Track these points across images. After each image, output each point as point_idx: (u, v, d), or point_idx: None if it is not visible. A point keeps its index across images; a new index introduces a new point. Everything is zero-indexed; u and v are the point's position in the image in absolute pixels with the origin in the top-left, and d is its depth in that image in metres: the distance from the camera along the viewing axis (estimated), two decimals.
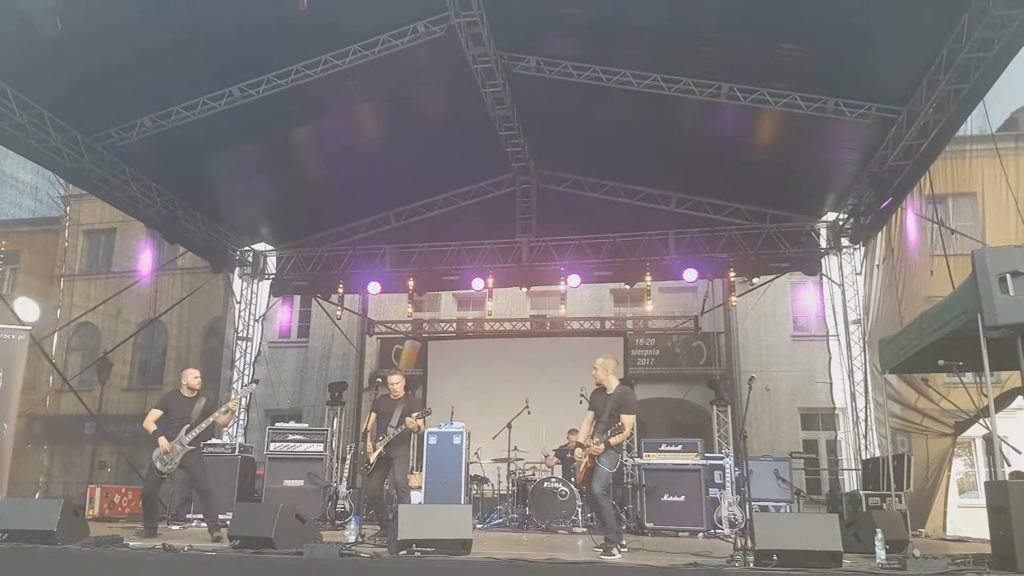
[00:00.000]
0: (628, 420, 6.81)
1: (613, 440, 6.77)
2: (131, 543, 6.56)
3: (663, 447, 10.76)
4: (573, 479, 9.82)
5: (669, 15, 9.29)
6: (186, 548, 6.15)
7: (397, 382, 8.34)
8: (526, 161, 13.19)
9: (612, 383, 7.10)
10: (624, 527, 9.46)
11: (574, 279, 13.68)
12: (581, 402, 8.40)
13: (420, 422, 8.06)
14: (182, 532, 8.83)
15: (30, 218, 18.31)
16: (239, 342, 14.91)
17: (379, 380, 8.86)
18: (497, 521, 11.12)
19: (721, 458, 11.13)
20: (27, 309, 13.97)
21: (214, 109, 10.56)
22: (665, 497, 10.39)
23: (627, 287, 14.75)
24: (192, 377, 8.03)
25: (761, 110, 10.50)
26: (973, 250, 6.07)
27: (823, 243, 13.51)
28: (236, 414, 13.61)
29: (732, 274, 13.44)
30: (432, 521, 6.12)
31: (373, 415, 8.31)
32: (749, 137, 11.47)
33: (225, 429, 12.63)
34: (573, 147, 13.13)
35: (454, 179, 13.97)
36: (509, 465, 11.40)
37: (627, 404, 6.89)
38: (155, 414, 7.86)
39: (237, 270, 15.10)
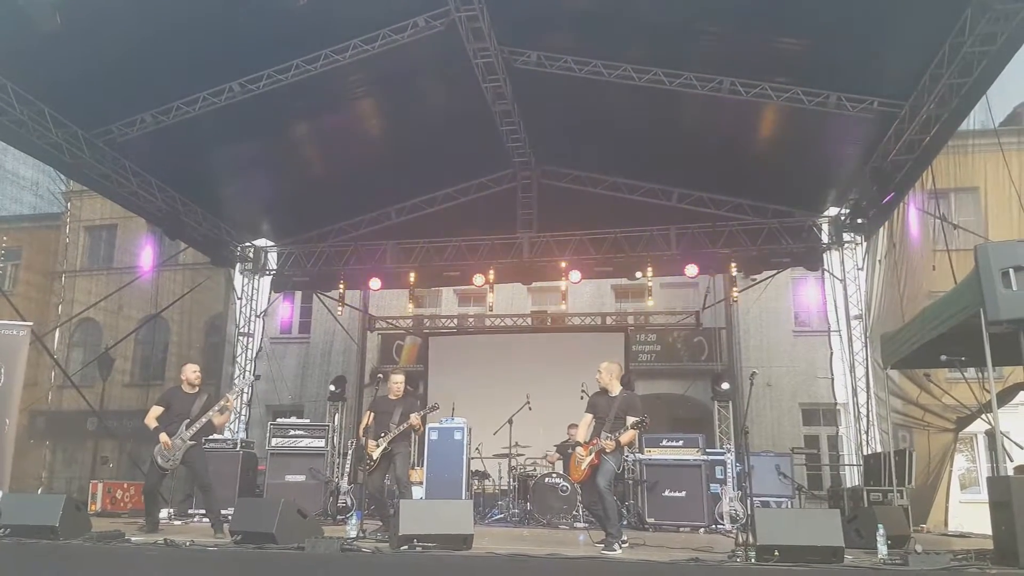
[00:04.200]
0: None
1: (623, 439, 6.87)
2: (133, 538, 6.55)
3: (664, 442, 10.77)
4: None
5: (670, 9, 9.29)
6: (188, 543, 6.15)
7: (398, 381, 8.34)
8: (527, 156, 13.17)
9: (616, 387, 7.16)
10: (625, 522, 9.46)
11: (575, 275, 13.66)
12: (582, 398, 8.39)
13: (418, 420, 8.07)
14: (184, 527, 8.84)
15: (31, 214, 18.31)
16: (240, 338, 14.92)
17: (380, 376, 8.85)
18: (498, 516, 11.13)
19: (722, 453, 11.14)
20: None
21: (214, 104, 10.55)
22: (666, 492, 10.40)
23: (628, 282, 14.71)
24: (191, 372, 8.03)
25: (762, 104, 10.48)
26: (976, 245, 6.07)
27: (825, 238, 13.49)
28: (237, 411, 13.62)
29: (733, 268, 13.41)
30: (433, 516, 6.12)
31: (370, 414, 8.31)
32: (751, 132, 11.46)
33: (227, 425, 12.65)
34: (574, 142, 13.11)
35: (455, 175, 13.95)
36: (510, 461, 11.40)
37: (634, 408, 6.98)
38: (156, 410, 7.87)
39: (238, 266, 15.09)
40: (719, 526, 10.08)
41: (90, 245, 21.37)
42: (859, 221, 12.33)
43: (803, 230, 13.43)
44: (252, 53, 10.04)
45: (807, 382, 16.60)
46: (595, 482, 6.80)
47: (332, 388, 13.66)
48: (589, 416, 7.19)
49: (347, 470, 11.12)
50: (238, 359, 14.79)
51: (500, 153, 12.94)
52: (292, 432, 11.50)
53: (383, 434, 8.01)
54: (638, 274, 13.61)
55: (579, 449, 7.11)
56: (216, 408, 7.83)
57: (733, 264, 13.33)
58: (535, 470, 11.39)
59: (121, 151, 11.35)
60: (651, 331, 18.23)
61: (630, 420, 6.83)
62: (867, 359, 12.50)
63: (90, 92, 10.06)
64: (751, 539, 5.68)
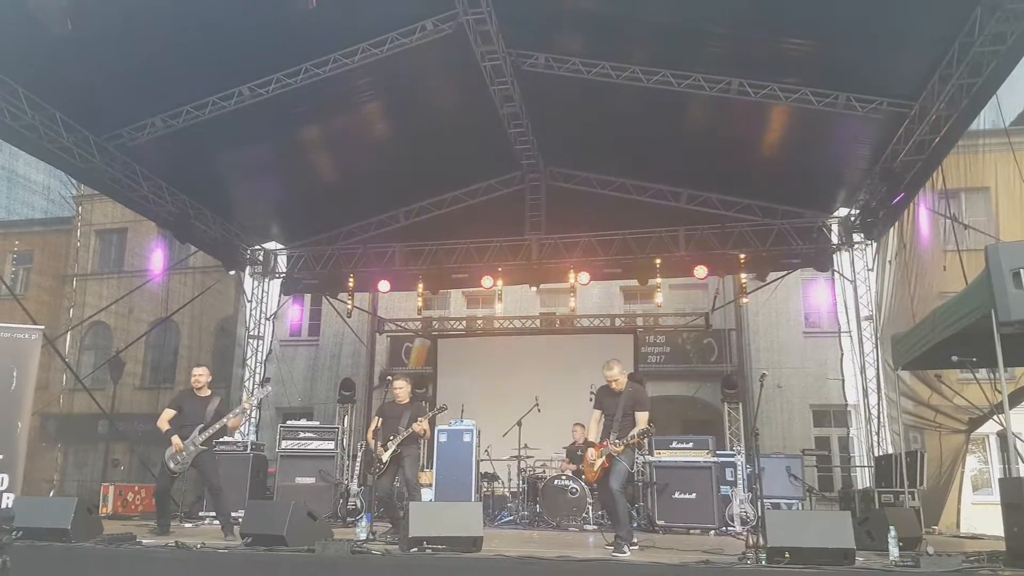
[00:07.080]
0: (643, 417, 6.90)
1: (633, 440, 6.83)
2: (144, 541, 6.59)
3: (674, 444, 10.73)
4: (582, 476, 9.81)
5: (678, 10, 9.27)
6: (198, 546, 6.17)
7: (401, 387, 8.34)
8: (535, 158, 13.17)
9: (623, 383, 7.16)
10: (635, 524, 9.44)
11: (584, 276, 13.65)
12: (591, 399, 8.39)
13: (425, 426, 8.08)
14: (195, 530, 8.87)
15: (42, 218, 18.44)
16: (250, 340, 14.97)
17: (389, 378, 8.86)
18: (508, 519, 11.13)
19: (733, 455, 11.10)
20: None
21: (224, 109, 10.60)
22: (676, 494, 10.36)
23: (637, 284, 14.69)
24: (198, 376, 8.04)
25: (771, 105, 10.45)
26: (986, 245, 6.04)
27: (835, 239, 13.44)
28: (248, 414, 13.66)
29: (743, 265, 13.35)
30: (443, 519, 6.13)
31: (378, 419, 8.32)
32: (759, 132, 11.42)
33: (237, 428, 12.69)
34: (582, 144, 13.10)
35: (463, 177, 13.95)
36: (519, 463, 11.40)
37: (641, 401, 6.99)
38: (168, 414, 7.87)
39: (248, 269, 15.15)
40: (729, 528, 10.04)
41: (101, 249, 21.51)
42: (869, 222, 12.29)
43: (813, 231, 13.38)
44: (261, 57, 10.08)
45: (817, 383, 16.53)
46: (608, 485, 6.79)
47: (341, 392, 13.69)
48: (598, 412, 7.20)
49: (357, 472, 11.14)
50: (248, 362, 14.85)
51: (508, 155, 12.95)
52: (302, 434, 11.53)
53: (391, 437, 8.03)
54: (652, 281, 13.64)
55: (591, 449, 7.11)
56: (232, 413, 7.86)
57: (742, 256, 13.23)
58: (544, 472, 11.38)
59: (131, 155, 11.42)
60: (660, 333, 18.20)
61: (636, 429, 6.81)
62: (878, 360, 12.44)
63: (101, 97, 10.12)
64: (762, 541, 5.67)
